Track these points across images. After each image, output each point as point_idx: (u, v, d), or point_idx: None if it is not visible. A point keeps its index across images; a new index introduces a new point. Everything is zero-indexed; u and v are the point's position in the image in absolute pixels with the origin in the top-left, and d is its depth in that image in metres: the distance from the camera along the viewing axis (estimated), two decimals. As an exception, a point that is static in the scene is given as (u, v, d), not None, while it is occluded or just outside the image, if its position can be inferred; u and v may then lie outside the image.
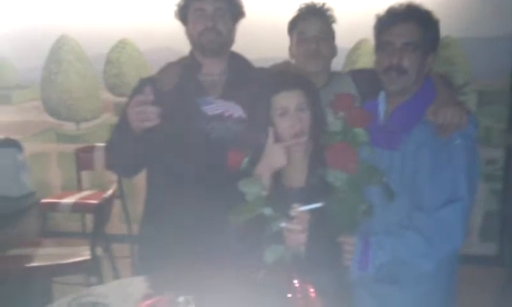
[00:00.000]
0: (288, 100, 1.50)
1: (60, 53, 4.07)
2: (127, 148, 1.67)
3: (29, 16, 4.05)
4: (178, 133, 1.70)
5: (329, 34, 1.91)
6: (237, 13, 1.79)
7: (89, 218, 3.67)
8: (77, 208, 3.37)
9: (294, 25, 1.93)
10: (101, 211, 2.62)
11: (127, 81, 3.96)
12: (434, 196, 1.51)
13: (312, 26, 1.87)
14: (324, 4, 1.92)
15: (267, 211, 1.38)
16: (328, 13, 1.92)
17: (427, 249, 1.49)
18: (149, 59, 3.87)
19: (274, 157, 1.48)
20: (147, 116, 1.53)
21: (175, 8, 1.80)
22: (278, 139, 1.50)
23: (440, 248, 1.50)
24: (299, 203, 1.37)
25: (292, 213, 1.36)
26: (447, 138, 1.51)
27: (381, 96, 1.67)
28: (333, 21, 1.93)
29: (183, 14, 1.78)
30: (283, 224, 1.37)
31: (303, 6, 1.93)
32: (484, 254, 3.41)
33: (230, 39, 1.79)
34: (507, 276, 3.09)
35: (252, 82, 1.72)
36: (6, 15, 4.09)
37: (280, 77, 1.59)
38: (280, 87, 1.51)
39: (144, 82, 1.73)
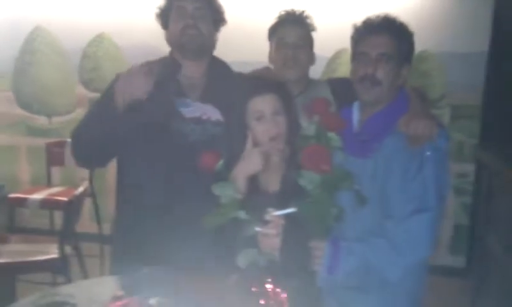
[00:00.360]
0: (263, 104, 1.50)
1: (34, 44, 3.97)
2: (99, 132, 1.64)
3: (3, 6, 3.94)
4: (155, 132, 1.68)
5: (308, 42, 1.93)
6: (218, 18, 1.79)
7: (58, 215, 3.59)
8: (46, 204, 3.29)
9: (273, 31, 1.94)
10: (71, 208, 2.56)
11: (103, 76, 3.89)
12: (403, 205, 1.53)
13: (291, 33, 1.89)
14: (303, 12, 1.94)
15: (242, 215, 1.38)
16: (307, 21, 1.94)
17: (395, 257, 1.51)
18: (127, 54, 3.81)
19: (250, 161, 1.48)
20: (141, 86, 1.56)
21: (156, 11, 1.79)
22: (255, 144, 1.50)
23: (407, 257, 1.52)
24: (274, 208, 1.38)
25: (267, 217, 1.36)
26: (418, 149, 1.53)
27: (355, 105, 1.69)
28: (313, 29, 1.95)
29: (164, 16, 1.77)
30: (257, 229, 1.37)
31: (283, 13, 1.94)
32: (452, 266, 3.47)
33: (211, 43, 1.79)
34: (475, 289, 3.16)
35: (230, 86, 1.71)
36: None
37: (255, 81, 1.61)
38: (256, 91, 1.52)
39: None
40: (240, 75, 1.84)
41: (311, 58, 1.94)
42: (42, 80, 4.01)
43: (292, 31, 1.89)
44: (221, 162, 1.46)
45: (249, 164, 1.48)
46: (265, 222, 1.37)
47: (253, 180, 1.51)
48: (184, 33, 1.71)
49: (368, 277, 1.54)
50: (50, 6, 3.87)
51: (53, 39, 3.95)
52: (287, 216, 1.38)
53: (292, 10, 1.94)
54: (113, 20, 3.76)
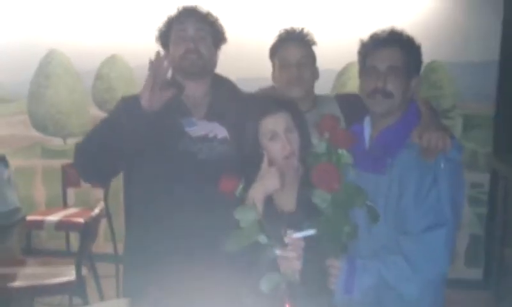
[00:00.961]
0: (276, 123, 1.51)
1: (49, 67, 4.04)
2: (103, 146, 1.63)
3: (17, 30, 4.03)
4: (162, 152, 1.69)
5: (311, 59, 1.93)
6: (219, 38, 1.81)
7: (74, 236, 3.63)
8: (63, 226, 3.31)
9: (275, 51, 1.94)
10: (88, 230, 2.58)
11: (116, 97, 3.89)
12: (418, 219, 1.51)
13: (293, 52, 1.89)
14: (303, 29, 1.93)
15: (262, 238, 1.37)
16: (308, 37, 1.93)
17: (411, 274, 1.49)
18: (139, 75, 3.85)
19: (268, 180, 1.48)
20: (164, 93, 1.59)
21: (156, 33, 1.81)
22: (271, 163, 1.50)
23: (425, 273, 1.50)
24: (290, 227, 1.37)
25: (287, 240, 1.36)
26: (432, 162, 1.52)
27: (366, 120, 1.69)
28: (313, 44, 1.94)
29: (164, 38, 1.79)
30: (278, 252, 1.36)
31: (282, 31, 1.94)
32: (469, 278, 3.42)
33: (212, 63, 1.80)
34: (494, 300, 3.11)
35: (237, 104, 1.72)
36: (-5, 27, 4.08)
37: (265, 101, 1.60)
38: (267, 111, 1.52)
39: (126, 101, 1.72)
40: (249, 95, 1.84)
41: (315, 74, 1.94)
42: (57, 102, 4.08)
43: (294, 49, 1.89)
44: (241, 187, 1.45)
45: (267, 183, 1.48)
46: (284, 245, 1.36)
47: (269, 200, 1.51)
48: (185, 57, 1.72)
49: (385, 295, 1.53)
50: (63, 29, 3.94)
51: (67, 61, 4.02)
52: (305, 237, 1.38)
53: (292, 28, 1.93)
54: (125, 42, 3.81)
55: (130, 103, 1.64)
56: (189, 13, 1.78)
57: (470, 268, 3.47)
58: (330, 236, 1.44)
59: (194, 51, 1.72)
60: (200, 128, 1.72)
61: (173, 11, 1.83)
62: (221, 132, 1.73)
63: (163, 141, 1.68)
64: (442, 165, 1.52)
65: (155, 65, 1.58)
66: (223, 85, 1.84)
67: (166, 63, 1.61)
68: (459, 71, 3.46)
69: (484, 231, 3.51)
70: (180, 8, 1.80)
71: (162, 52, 1.69)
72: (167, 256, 1.65)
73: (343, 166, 1.47)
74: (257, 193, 1.47)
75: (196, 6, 1.80)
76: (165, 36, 1.79)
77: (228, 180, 1.47)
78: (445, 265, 1.53)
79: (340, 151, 1.47)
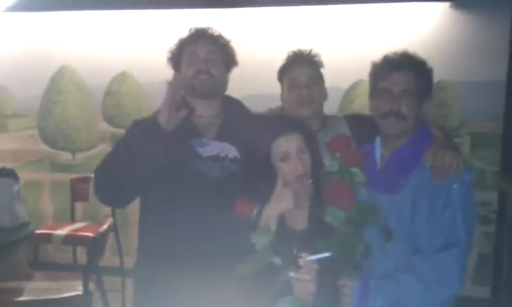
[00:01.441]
0: (288, 145, 1.51)
1: (61, 83, 4.09)
2: (120, 172, 1.65)
3: (29, 45, 4.08)
4: (176, 173, 1.71)
5: (319, 79, 1.95)
6: (230, 60, 1.83)
7: (81, 249, 3.64)
8: (70, 240, 3.33)
9: (283, 72, 1.97)
10: (95, 245, 2.59)
11: (126, 112, 3.99)
12: (432, 240, 1.52)
13: (302, 72, 1.91)
14: (311, 51, 1.96)
15: (277, 260, 1.37)
16: (316, 59, 1.96)
17: (425, 294, 1.49)
18: (149, 91, 3.91)
19: (282, 200, 1.47)
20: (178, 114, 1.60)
21: (167, 55, 1.83)
22: (285, 183, 1.50)
23: (438, 293, 1.50)
24: (306, 252, 1.37)
25: (300, 262, 1.36)
26: (445, 182, 1.53)
27: (377, 141, 1.71)
28: (321, 66, 1.97)
29: (176, 60, 1.81)
30: (292, 274, 1.36)
31: (291, 53, 1.97)
32: (477, 297, 3.39)
33: (223, 85, 1.82)
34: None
35: (247, 124, 1.73)
36: (5, 42, 4.13)
37: (277, 121, 1.61)
38: (279, 132, 1.53)
39: (137, 124, 1.75)
40: (259, 116, 1.86)
41: (324, 94, 1.97)
42: (66, 118, 4.12)
43: (303, 70, 1.92)
44: (256, 211, 1.45)
45: (281, 203, 1.47)
46: (298, 267, 1.36)
47: (281, 219, 1.51)
48: (196, 78, 1.74)
49: None
50: (75, 45, 3.99)
51: (78, 77, 4.06)
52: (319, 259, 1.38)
53: (300, 50, 1.96)
54: (136, 58, 3.86)
55: (144, 125, 1.66)
56: (200, 35, 1.80)
57: (478, 286, 3.43)
58: (344, 255, 1.43)
59: (206, 72, 1.74)
60: (211, 148, 1.74)
61: (183, 30, 1.86)
62: (231, 151, 1.74)
63: (175, 162, 1.69)
64: (455, 186, 1.53)
65: (174, 86, 1.60)
66: (232, 106, 1.87)
67: (181, 84, 1.64)
68: (467, 90, 3.47)
69: (492, 249, 3.49)
70: (192, 30, 1.82)
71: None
72: (178, 274, 1.66)
73: (356, 184, 1.47)
74: (271, 212, 1.47)
75: (208, 28, 1.82)
76: (177, 57, 1.81)
77: (243, 204, 1.47)
78: (457, 285, 1.53)
79: (352, 169, 1.48)
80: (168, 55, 1.83)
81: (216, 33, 1.82)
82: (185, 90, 1.79)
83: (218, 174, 1.71)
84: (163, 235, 1.72)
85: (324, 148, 1.72)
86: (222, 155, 1.74)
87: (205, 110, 1.78)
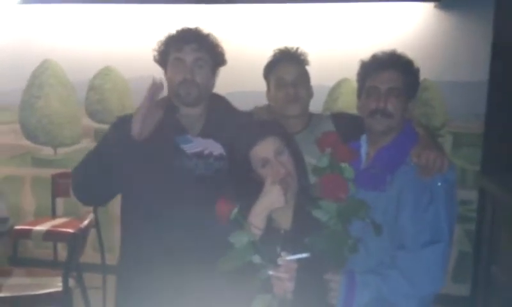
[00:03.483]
0: (265, 151, 1.52)
1: (42, 77, 4.02)
2: (99, 171, 1.63)
3: (11, 39, 4.01)
4: (160, 170, 1.69)
5: (306, 77, 1.95)
6: (218, 61, 1.80)
7: (61, 245, 3.60)
8: (51, 236, 3.28)
9: (269, 70, 1.96)
10: (76, 241, 2.56)
11: (109, 108, 3.94)
12: (416, 236, 1.55)
13: (289, 71, 1.91)
14: (297, 49, 1.96)
15: (256, 259, 1.38)
16: (302, 57, 1.95)
17: (409, 290, 1.52)
18: (133, 87, 3.87)
19: (272, 197, 1.47)
20: (155, 115, 1.57)
21: (154, 53, 1.79)
22: (273, 181, 1.50)
23: (422, 288, 1.53)
24: (287, 251, 1.38)
25: (280, 262, 1.37)
26: (430, 180, 1.56)
27: (363, 139, 1.73)
28: (307, 64, 1.97)
29: (162, 59, 1.77)
30: (271, 272, 1.37)
31: (277, 51, 1.96)
32: (456, 294, 3.44)
33: (208, 89, 1.80)
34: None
35: (231, 124, 1.73)
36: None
37: (251, 128, 1.60)
38: (254, 140, 1.53)
39: (122, 120, 1.73)
40: (240, 116, 1.85)
41: (310, 92, 1.97)
42: (49, 113, 4.05)
43: (289, 68, 1.91)
44: (235, 210, 1.45)
45: (272, 200, 1.47)
46: (278, 266, 1.37)
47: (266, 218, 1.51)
48: (181, 87, 1.72)
49: None
50: (57, 39, 3.94)
51: (61, 71, 4.00)
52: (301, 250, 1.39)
53: (286, 48, 1.95)
54: (120, 53, 3.81)
55: (124, 123, 1.64)
56: (187, 39, 1.73)
57: (457, 284, 3.49)
58: (333, 250, 1.45)
59: (191, 81, 1.71)
60: (195, 145, 1.73)
61: (169, 25, 1.82)
62: (216, 148, 1.74)
63: (159, 158, 1.68)
64: (439, 183, 1.56)
65: (149, 94, 1.55)
66: (218, 103, 1.85)
67: (158, 93, 1.58)
68: (450, 90, 3.51)
69: (472, 247, 3.54)
70: (180, 30, 1.77)
71: (157, 76, 1.67)
72: (162, 270, 1.66)
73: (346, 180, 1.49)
74: (261, 209, 1.46)
75: (195, 29, 1.77)
76: (163, 57, 1.77)
77: (223, 204, 1.47)
78: (441, 281, 1.57)
79: (342, 165, 1.50)
80: (155, 53, 1.79)
81: (204, 34, 1.78)
82: (171, 94, 1.78)
83: (203, 171, 1.71)
84: (147, 231, 1.71)
85: (308, 145, 1.73)
86: (206, 152, 1.73)
87: (189, 111, 1.77)
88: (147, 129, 1.58)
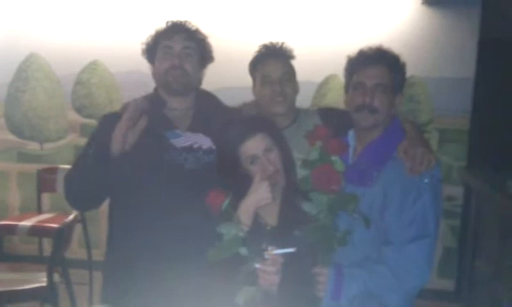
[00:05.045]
0: (254, 147, 1.52)
1: (28, 71, 3.98)
2: (91, 175, 1.63)
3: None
4: (149, 165, 1.69)
5: (291, 73, 1.93)
6: (206, 56, 1.81)
7: (47, 241, 3.57)
8: (36, 231, 3.24)
9: (255, 66, 1.94)
10: (61, 236, 2.55)
11: (96, 102, 3.91)
12: (403, 231, 1.56)
13: (275, 68, 1.88)
14: (282, 44, 1.93)
15: (243, 251, 1.39)
16: (287, 53, 1.93)
17: (395, 284, 1.53)
18: (120, 81, 3.84)
19: (260, 195, 1.47)
20: (135, 132, 1.58)
21: (142, 46, 1.80)
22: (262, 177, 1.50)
23: (408, 283, 1.55)
24: (274, 245, 1.39)
25: (266, 255, 1.38)
26: (416, 177, 1.57)
27: (350, 134, 1.74)
28: (292, 58, 1.94)
29: (151, 53, 1.78)
30: (257, 265, 1.38)
31: (262, 47, 1.94)
32: (441, 290, 3.47)
33: (197, 80, 1.80)
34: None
35: (220, 120, 1.72)
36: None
37: (240, 127, 1.59)
38: (244, 137, 1.53)
39: (108, 118, 1.73)
40: (228, 112, 1.85)
41: (296, 88, 1.95)
42: (34, 107, 4.01)
43: (275, 65, 1.89)
44: (227, 201, 1.45)
45: (260, 196, 1.47)
46: (264, 259, 1.38)
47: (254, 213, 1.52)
48: (170, 73, 1.72)
49: (369, 304, 1.56)
50: (44, 33, 3.90)
51: (47, 65, 3.96)
52: (289, 245, 1.40)
53: (272, 43, 1.93)
54: (107, 47, 3.79)
55: (113, 121, 1.63)
56: (177, 29, 1.76)
57: (442, 279, 3.52)
58: (322, 243, 1.47)
59: (179, 68, 1.72)
60: (185, 139, 1.73)
61: (156, 19, 1.83)
62: (205, 142, 1.74)
63: (149, 153, 1.67)
64: (426, 180, 1.57)
65: (130, 112, 1.57)
66: (206, 99, 1.85)
67: (137, 112, 1.60)
68: (436, 86, 3.54)
69: (457, 243, 3.58)
70: (169, 23, 1.79)
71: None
72: (149, 263, 1.65)
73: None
74: (249, 206, 1.47)
75: (185, 22, 1.79)
76: (151, 50, 1.78)
77: (215, 195, 1.47)
78: (427, 276, 1.57)
79: (333, 158, 1.51)
80: (143, 47, 1.80)
81: (193, 28, 1.79)
82: (158, 85, 1.78)
83: (193, 165, 1.71)
84: (135, 225, 1.70)
85: (295, 140, 1.73)
86: (196, 146, 1.73)
87: (178, 105, 1.77)
88: (129, 144, 1.59)
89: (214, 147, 1.72)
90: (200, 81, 1.82)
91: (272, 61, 1.90)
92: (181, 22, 1.79)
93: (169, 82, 1.73)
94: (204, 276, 1.45)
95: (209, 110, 1.80)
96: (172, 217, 1.65)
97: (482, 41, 3.42)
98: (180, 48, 1.73)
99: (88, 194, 1.70)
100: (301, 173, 1.55)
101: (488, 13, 3.40)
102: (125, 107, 1.69)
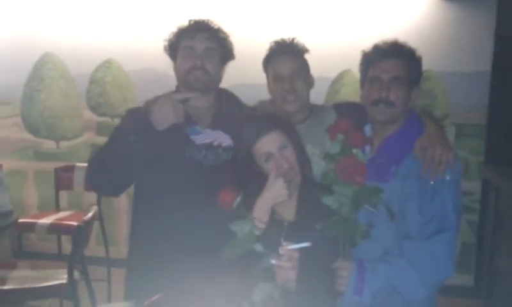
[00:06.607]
0: (268, 145, 1.53)
1: (43, 70, 4.02)
2: (115, 160, 1.65)
3: (12, 32, 4.01)
4: (170, 161, 1.71)
5: (303, 69, 1.90)
6: (227, 55, 1.82)
7: (65, 239, 3.61)
8: (55, 229, 3.28)
9: (267, 63, 1.93)
10: (80, 234, 2.57)
11: (110, 101, 3.94)
12: (422, 226, 1.55)
13: (286, 65, 1.86)
14: (293, 40, 1.90)
15: (258, 247, 1.40)
16: (298, 48, 1.90)
17: (418, 278, 1.52)
18: (134, 79, 3.86)
19: (276, 192, 1.48)
20: (178, 111, 1.64)
21: (164, 43, 1.82)
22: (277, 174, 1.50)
23: (430, 277, 1.54)
24: (288, 241, 1.39)
25: (281, 251, 1.37)
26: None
27: (367, 129, 1.73)
28: (306, 52, 1.91)
29: (173, 50, 1.80)
30: (273, 261, 1.38)
31: (273, 44, 1.92)
32: (460, 285, 3.44)
33: (217, 79, 1.82)
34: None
35: (237, 121, 1.72)
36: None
37: (255, 124, 1.59)
38: (258, 134, 1.53)
39: (132, 112, 1.74)
40: (241, 117, 1.83)
41: (310, 83, 1.92)
42: (50, 106, 4.05)
43: (286, 62, 1.86)
44: (238, 199, 1.45)
45: (276, 193, 1.48)
46: (280, 255, 1.38)
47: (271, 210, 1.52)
48: (191, 73, 1.74)
49: (392, 298, 1.55)
50: (58, 32, 3.93)
51: (62, 64, 4.00)
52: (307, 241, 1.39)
53: (283, 40, 1.90)
54: (121, 46, 3.81)
55: (138, 115, 1.66)
56: (199, 28, 1.78)
57: (461, 275, 3.48)
58: (344, 236, 1.46)
59: (201, 68, 1.74)
60: (205, 136, 1.75)
61: (172, 21, 1.84)
62: (225, 140, 1.76)
63: (170, 150, 1.70)
64: (447, 177, 1.56)
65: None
66: (227, 98, 1.87)
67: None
68: (452, 80, 3.50)
69: (475, 238, 3.54)
70: (192, 22, 1.80)
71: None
72: (171, 260, 1.67)
73: None
74: (265, 202, 1.47)
75: (207, 21, 1.81)
76: (173, 48, 1.80)
77: (227, 193, 1.47)
78: (449, 269, 1.57)
79: (355, 151, 1.50)
80: (165, 44, 1.82)
81: (215, 27, 1.81)
82: (180, 83, 1.81)
83: (212, 161, 1.73)
84: (157, 222, 1.72)
85: (310, 135, 1.72)
86: (215, 143, 1.75)
87: (199, 103, 1.79)
88: (180, 116, 1.66)
89: (233, 145, 1.73)
90: (220, 79, 1.84)
91: (283, 58, 1.88)
92: (203, 21, 1.80)
93: (190, 82, 1.75)
94: (221, 273, 1.46)
95: (229, 109, 1.82)
96: (192, 214, 1.66)
97: (498, 34, 3.37)
98: (202, 49, 1.75)
99: (109, 177, 1.71)
100: (323, 166, 1.54)
101: (504, 6, 3.35)
102: (149, 103, 1.69)
